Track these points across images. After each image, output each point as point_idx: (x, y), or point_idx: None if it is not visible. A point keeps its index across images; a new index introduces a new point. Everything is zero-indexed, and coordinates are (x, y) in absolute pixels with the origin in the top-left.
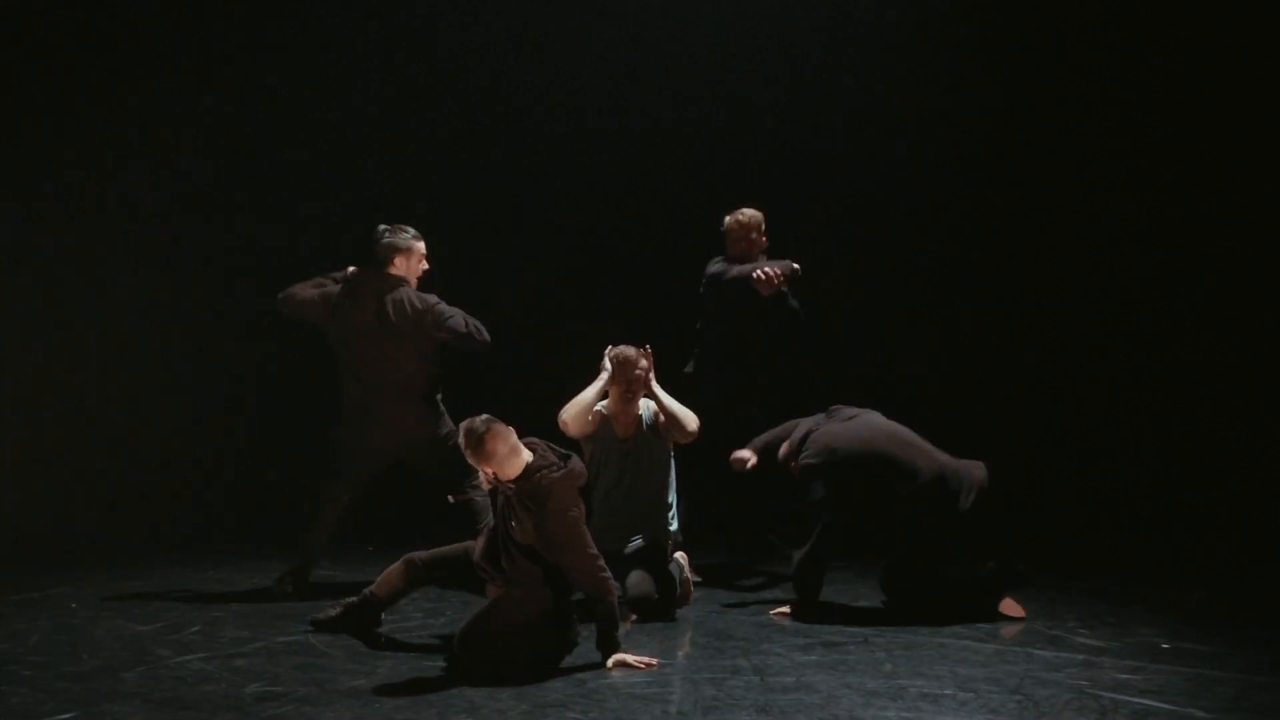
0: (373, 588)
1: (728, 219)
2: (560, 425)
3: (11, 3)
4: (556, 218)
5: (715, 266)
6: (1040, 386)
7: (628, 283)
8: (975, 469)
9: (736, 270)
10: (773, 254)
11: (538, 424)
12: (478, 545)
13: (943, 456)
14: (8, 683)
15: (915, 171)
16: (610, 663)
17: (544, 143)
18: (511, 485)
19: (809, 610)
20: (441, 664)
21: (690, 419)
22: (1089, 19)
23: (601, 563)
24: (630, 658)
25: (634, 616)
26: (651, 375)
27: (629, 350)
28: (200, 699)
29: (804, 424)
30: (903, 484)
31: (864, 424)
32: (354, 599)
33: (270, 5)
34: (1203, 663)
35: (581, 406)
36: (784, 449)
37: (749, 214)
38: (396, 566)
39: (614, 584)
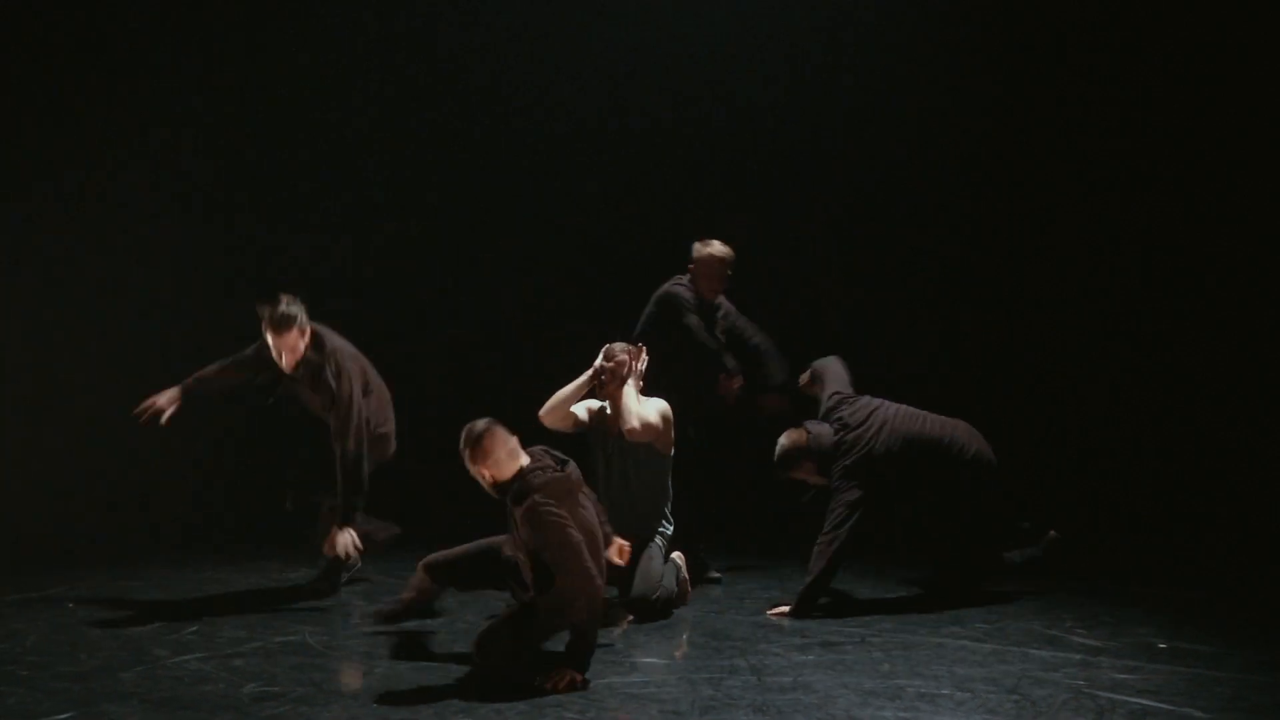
0: (405, 594)
1: (706, 252)
2: (540, 419)
3: (11, 3)
4: (556, 218)
5: (693, 312)
6: (1040, 386)
7: (628, 283)
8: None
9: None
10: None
11: (536, 424)
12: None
13: (941, 417)
14: (6, 683)
15: (915, 171)
16: (553, 682)
17: (544, 143)
18: (501, 491)
19: (807, 610)
20: (438, 664)
21: (630, 418)
22: (1089, 19)
23: (593, 574)
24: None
25: (630, 617)
26: (631, 371)
27: (615, 345)
28: (198, 699)
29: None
30: (952, 459)
31: (881, 417)
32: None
33: (270, 5)
34: (1200, 662)
35: (556, 400)
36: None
37: (727, 250)
38: (420, 575)
39: (600, 597)
